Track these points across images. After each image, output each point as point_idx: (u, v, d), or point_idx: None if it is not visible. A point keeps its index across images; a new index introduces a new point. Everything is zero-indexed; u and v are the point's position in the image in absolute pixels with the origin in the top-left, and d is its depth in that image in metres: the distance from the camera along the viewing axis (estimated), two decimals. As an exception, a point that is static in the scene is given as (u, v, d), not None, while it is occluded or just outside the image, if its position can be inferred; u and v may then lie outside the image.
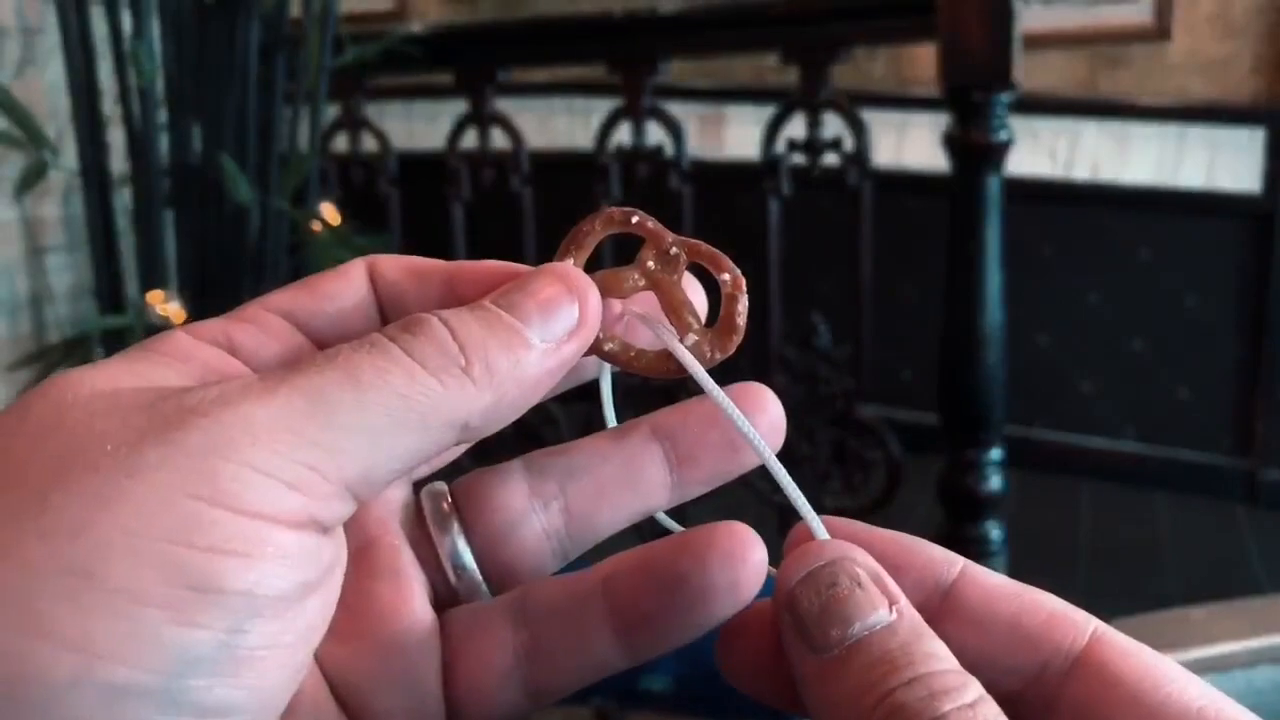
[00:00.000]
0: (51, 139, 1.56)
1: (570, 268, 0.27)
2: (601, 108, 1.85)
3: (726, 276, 0.29)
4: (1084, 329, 3.35)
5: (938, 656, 0.22)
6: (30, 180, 1.52)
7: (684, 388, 0.27)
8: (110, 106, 1.58)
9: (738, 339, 0.29)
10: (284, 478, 0.21)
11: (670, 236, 0.29)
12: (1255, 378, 3.17)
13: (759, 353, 1.73)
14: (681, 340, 0.28)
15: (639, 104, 1.72)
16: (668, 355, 0.28)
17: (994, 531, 1.54)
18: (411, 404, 0.22)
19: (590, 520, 0.29)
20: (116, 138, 1.60)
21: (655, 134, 1.76)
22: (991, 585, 0.24)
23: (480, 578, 0.27)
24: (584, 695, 1.49)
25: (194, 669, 0.20)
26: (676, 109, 1.84)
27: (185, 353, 0.24)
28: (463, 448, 0.27)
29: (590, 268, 0.29)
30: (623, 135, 1.77)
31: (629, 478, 0.29)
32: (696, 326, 0.29)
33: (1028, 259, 3.26)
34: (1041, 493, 3.08)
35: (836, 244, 1.98)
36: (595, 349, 0.28)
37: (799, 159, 1.68)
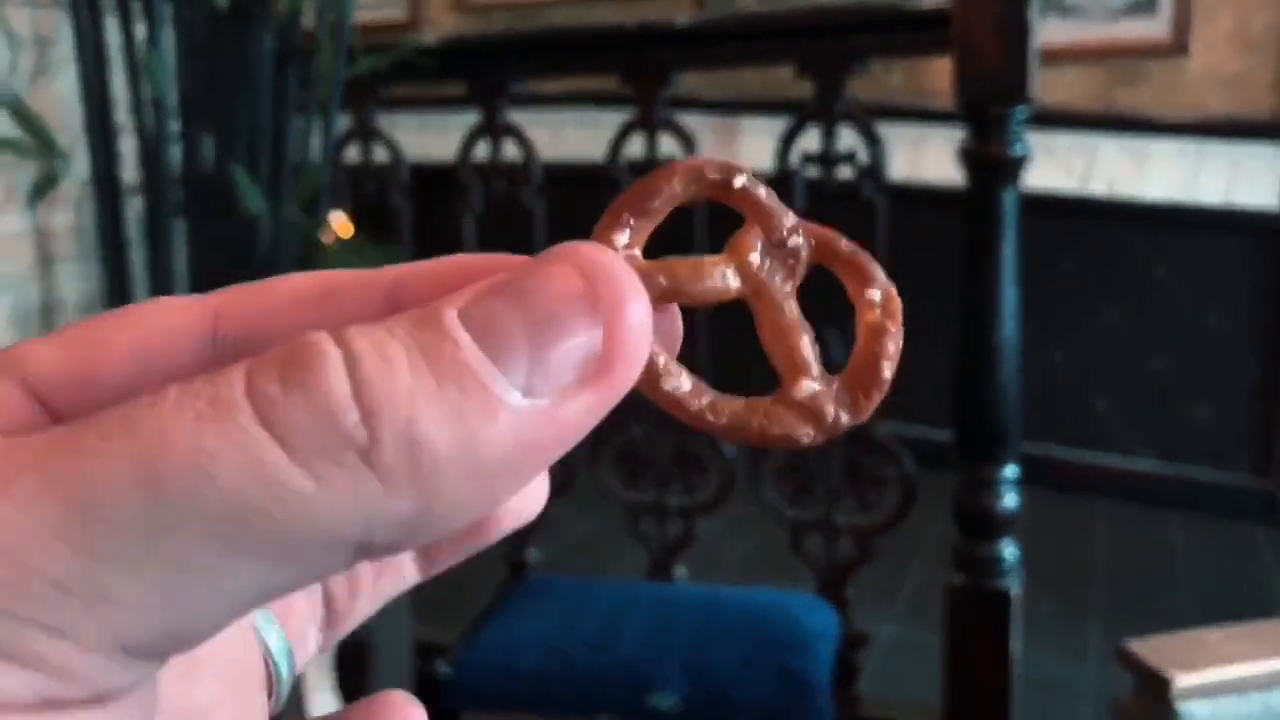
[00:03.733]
0: (65, 148, 1.56)
1: (604, 254, 0.17)
2: (613, 119, 1.84)
3: (875, 293, 0.19)
4: (1100, 346, 3.32)
5: None
6: (42, 190, 1.52)
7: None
8: (124, 116, 1.58)
9: (879, 396, 0.19)
10: (7, 650, 0.14)
11: (791, 218, 0.20)
12: (1275, 396, 3.14)
13: (771, 368, 1.71)
14: (790, 390, 0.19)
15: (652, 116, 1.71)
16: (766, 408, 0.19)
17: (1009, 551, 1.52)
18: (258, 519, 0.14)
19: (351, 609, 0.24)
20: (131, 147, 1.60)
21: (668, 145, 1.75)
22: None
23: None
24: (591, 711, 1.47)
25: None
26: (690, 120, 1.83)
27: None
28: None
29: (650, 253, 0.19)
30: (635, 147, 1.76)
31: (380, 567, 0.23)
32: (814, 370, 0.19)
33: (1043, 274, 3.24)
34: (1056, 511, 3.05)
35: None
36: (649, 386, 0.18)
37: (813, 172, 1.67)
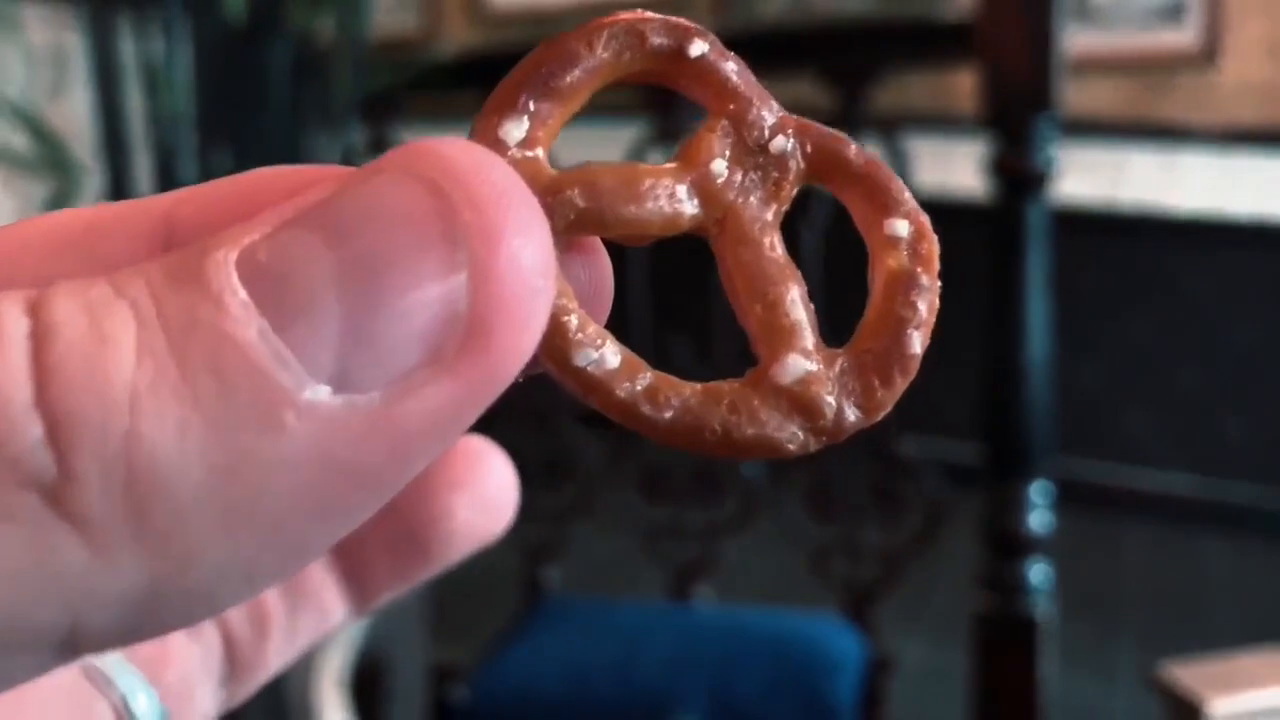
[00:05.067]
0: (82, 164, 1.55)
1: (474, 154, 0.11)
2: (628, 133, 1.82)
3: (900, 226, 0.13)
4: (1131, 362, 3.27)
5: None
6: (58, 206, 1.52)
7: None
8: (141, 132, 1.57)
9: (903, 382, 0.14)
10: None
11: (775, 109, 0.14)
12: (1310, 411, 3.09)
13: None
14: (771, 369, 0.13)
15: (673, 128, 1.69)
16: (734, 397, 0.13)
17: (1039, 573, 1.48)
18: None
19: (260, 656, 0.18)
20: (147, 163, 1.59)
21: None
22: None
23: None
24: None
25: None
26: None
27: None
28: None
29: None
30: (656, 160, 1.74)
31: (295, 604, 0.18)
32: (808, 340, 0.13)
33: (1070, 287, 3.19)
34: (1086, 532, 3.00)
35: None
36: (555, 363, 0.12)
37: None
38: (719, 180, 0.13)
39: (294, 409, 0.10)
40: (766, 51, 1.75)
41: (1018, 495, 1.49)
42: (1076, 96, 1.77)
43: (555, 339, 0.12)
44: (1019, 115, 1.40)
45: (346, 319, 0.10)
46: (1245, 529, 3.09)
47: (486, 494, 0.17)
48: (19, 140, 1.50)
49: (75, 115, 1.69)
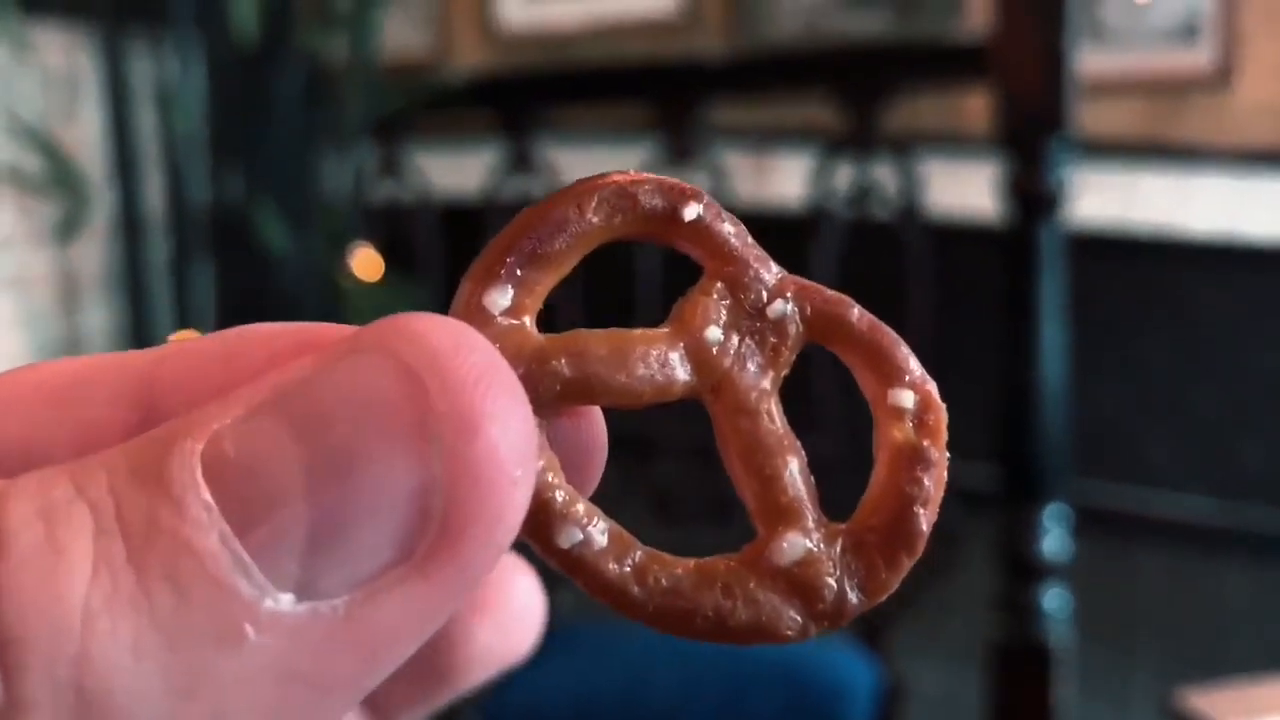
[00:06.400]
0: (96, 184, 1.56)
1: (450, 332, 0.10)
2: (640, 152, 1.82)
3: (904, 396, 0.13)
4: (1147, 385, 3.25)
5: None
6: (69, 227, 1.52)
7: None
8: (153, 153, 1.58)
9: (909, 561, 0.14)
10: None
11: (774, 270, 0.13)
12: (1328, 435, 3.06)
13: (798, 408, 1.67)
14: (769, 547, 0.13)
15: (684, 148, 1.69)
16: (728, 577, 0.12)
17: (1055, 599, 1.46)
18: None
19: None
20: (159, 184, 1.59)
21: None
22: None
23: None
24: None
25: None
26: (727, 153, 1.79)
27: None
28: None
29: (551, 323, 0.13)
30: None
31: None
32: (807, 517, 0.13)
33: (1085, 310, 3.17)
34: (1102, 556, 2.97)
35: (890, 290, 1.91)
36: (538, 542, 0.12)
37: (848, 212, 1.63)
38: (714, 348, 0.13)
39: (254, 621, 0.09)
40: (779, 72, 1.75)
41: (1033, 519, 1.47)
42: (1090, 118, 1.76)
43: (539, 517, 0.12)
44: (1032, 136, 1.39)
45: (313, 522, 0.09)
46: (1264, 555, 3.06)
47: (509, 616, 0.17)
48: (32, 161, 1.50)
49: (87, 137, 1.69)
